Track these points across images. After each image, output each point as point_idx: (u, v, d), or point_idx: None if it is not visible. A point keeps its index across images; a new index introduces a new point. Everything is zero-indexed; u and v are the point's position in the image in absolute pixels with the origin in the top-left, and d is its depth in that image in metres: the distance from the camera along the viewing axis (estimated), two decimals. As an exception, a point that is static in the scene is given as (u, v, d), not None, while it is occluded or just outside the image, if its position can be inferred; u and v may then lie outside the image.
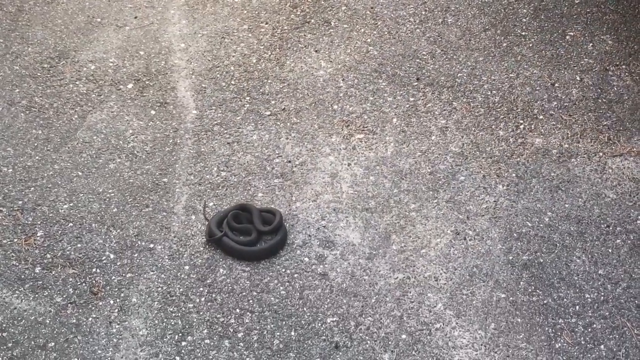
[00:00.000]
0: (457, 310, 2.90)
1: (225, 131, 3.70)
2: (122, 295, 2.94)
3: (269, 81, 4.02)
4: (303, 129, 3.71)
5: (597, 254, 3.11)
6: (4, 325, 2.82)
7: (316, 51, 4.23)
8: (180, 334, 2.81)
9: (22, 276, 3.00)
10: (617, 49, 4.19)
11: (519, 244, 3.15)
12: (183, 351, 2.76)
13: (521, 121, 3.75)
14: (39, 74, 4.01)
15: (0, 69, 4.03)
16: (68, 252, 3.10)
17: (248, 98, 3.91)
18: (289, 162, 3.53)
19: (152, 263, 3.07)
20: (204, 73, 4.07)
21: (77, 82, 3.98)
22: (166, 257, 3.10)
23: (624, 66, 4.07)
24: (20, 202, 3.29)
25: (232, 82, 4.01)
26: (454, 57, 4.18)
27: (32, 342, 2.77)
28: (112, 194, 3.35)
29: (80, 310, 2.89)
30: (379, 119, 3.77)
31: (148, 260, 3.08)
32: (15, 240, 3.14)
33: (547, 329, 2.83)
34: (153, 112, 3.81)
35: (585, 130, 3.69)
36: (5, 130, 3.65)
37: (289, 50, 4.24)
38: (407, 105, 3.85)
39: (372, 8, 4.48)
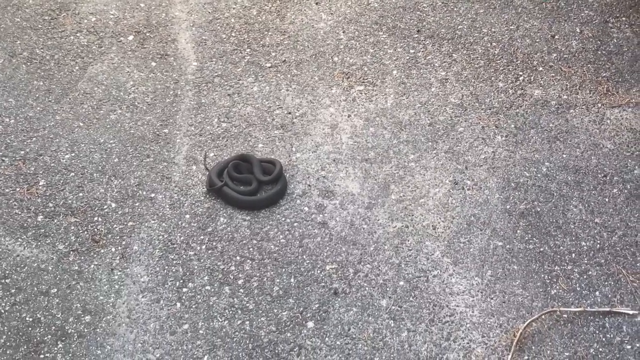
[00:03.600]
0: (455, 257, 2.94)
1: (226, 83, 3.71)
2: (124, 243, 2.98)
3: (270, 33, 4.02)
4: (303, 81, 3.72)
5: (594, 203, 3.13)
6: (7, 272, 2.86)
7: (317, 3, 4.22)
8: (181, 281, 2.85)
9: (25, 224, 3.03)
10: (617, 1, 4.18)
11: (516, 193, 3.18)
12: (184, 297, 2.80)
13: (520, 73, 3.75)
14: (40, 26, 4.02)
15: (2, 20, 4.03)
16: (70, 201, 3.13)
17: (248, 50, 3.91)
18: (289, 113, 3.55)
19: (153, 212, 3.10)
20: (205, 25, 4.07)
21: (77, 34, 3.98)
22: (167, 206, 3.13)
23: (624, 18, 4.06)
24: (22, 152, 3.32)
25: (233, 34, 4.01)
26: (455, 9, 4.17)
27: (35, 289, 2.81)
28: (113, 145, 3.37)
29: (82, 258, 2.92)
30: (379, 71, 3.77)
31: (149, 209, 3.11)
32: (18, 189, 3.17)
33: (543, 275, 2.87)
34: (154, 63, 3.82)
35: (584, 81, 3.70)
36: (7, 82, 3.66)
37: (290, 3, 4.23)
38: (407, 57, 3.85)
39: (373, -40, 4.47)
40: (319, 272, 2.89)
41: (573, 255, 2.94)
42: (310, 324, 2.73)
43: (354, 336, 2.68)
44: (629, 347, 2.66)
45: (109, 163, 3.29)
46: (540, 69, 3.77)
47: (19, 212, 3.08)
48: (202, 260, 2.93)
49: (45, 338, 2.66)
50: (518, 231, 3.03)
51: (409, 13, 4.15)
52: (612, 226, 3.04)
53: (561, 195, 3.16)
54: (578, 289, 2.83)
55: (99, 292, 2.81)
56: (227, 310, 2.76)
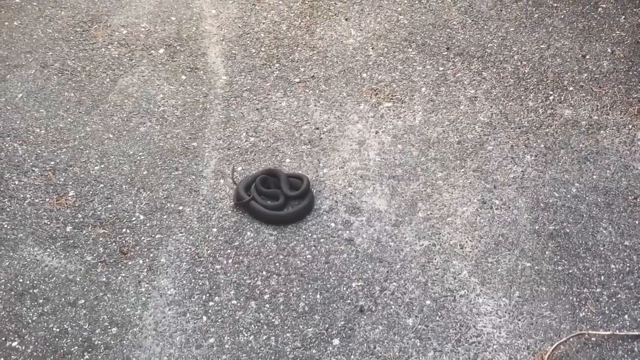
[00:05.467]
0: (482, 277, 2.92)
1: (255, 97, 3.72)
2: (151, 255, 2.99)
3: (299, 48, 4.03)
4: (332, 97, 3.73)
5: (624, 225, 3.10)
6: (36, 282, 2.88)
7: (346, 19, 4.23)
8: (207, 294, 2.86)
9: (54, 235, 3.05)
10: (650, 21, 4.16)
11: (545, 214, 3.15)
12: (210, 311, 2.80)
13: (551, 92, 3.73)
14: (71, 38, 4.06)
15: (34, 31, 4.08)
16: (99, 212, 3.15)
17: (277, 65, 3.93)
18: (317, 129, 3.55)
19: (180, 225, 3.11)
20: (235, 39, 4.09)
21: (109, 46, 4.01)
22: (195, 219, 3.14)
23: (656, 39, 4.04)
24: (52, 163, 3.35)
25: (262, 49, 4.03)
26: (485, 27, 4.16)
27: (63, 299, 2.83)
28: (143, 157, 3.39)
29: (110, 269, 2.94)
30: (407, 88, 3.77)
31: (177, 222, 3.12)
32: (47, 199, 3.19)
33: (571, 298, 2.84)
34: (184, 77, 3.84)
35: (615, 102, 3.67)
36: (38, 92, 3.70)
37: (319, 18, 4.24)
38: (437, 75, 3.85)
39: (403, -23, 4.47)
40: (345, 289, 2.89)
41: (602, 277, 2.91)
42: (336, 341, 2.72)
43: (379, 355, 2.67)
44: (658, 372, 2.63)
45: (138, 175, 3.31)
46: (571, 88, 3.75)
47: (48, 223, 3.10)
48: (228, 274, 2.93)
49: (72, 349, 2.67)
50: (547, 252, 3.00)
51: (439, 30, 4.15)
52: (642, 249, 3.02)
53: (591, 217, 3.14)
54: (607, 312, 2.80)
55: (126, 304, 2.82)
56: (252, 325, 2.76)
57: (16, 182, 3.26)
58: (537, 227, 3.10)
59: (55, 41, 4.03)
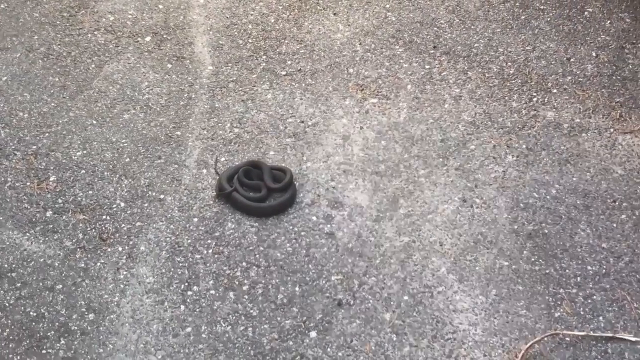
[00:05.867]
0: (460, 275, 2.94)
1: (240, 88, 3.72)
2: (131, 243, 2.99)
3: (286, 41, 4.04)
4: (317, 91, 3.74)
5: (602, 228, 3.13)
6: (14, 265, 2.88)
7: (334, 14, 4.24)
8: (186, 284, 2.86)
9: (34, 219, 3.05)
10: (634, 27, 4.18)
11: (524, 214, 3.18)
12: (188, 300, 2.80)
13: (535, 94, 3.75)
14: (58, 22, 4.04)
15: (20, 15, 4.06)
16: (79, 198, 3.14)
17: (264, 57, 3.93)
18: (302, 122, 3.56)
19: (161, 213, 3.11)
20: (222, 30, 4.09)
21: (95, 32, 4.00)
22: (176, 208, 3.14)
23: (641, 45, 4.07)
24: (35, 147, 3.34)
25: (250, 41, 4.03)
26: (472, 27, 4.18)
27: (41, 284, 2.83)
28: (125, 144, 3.39)
29: (89, 255, 2.93)
30: (393, 85, 3.78)
31: (158, 211, 3.12)
32: (28, 183, 3.18)
33: (547, 297, 2.87)
34: (169, 65, 3.84)
35: (597, 106, 3.70)
36: (23, 76, 3.68)
37: (308, 12, 4.25)
38: (422, 73, 3.86)
39: (392, -26, 4.48)
40: (324, 282, 2.90)
41: (578, 279, 2.94)
42: (313, 334, 2.73)
43: (355, 348, 2.69)
44: (630, 374, 2.66)
45: (120, 162, 3.31)
46: (555, 91, 3.77)
47: (28, 207, 3.09)
48: (208, 265, 2.93)
49: (49, 334, 2.67)
50: (524, 252, 3.03)
51: (426, 28, 4.16)
52: (618, 252, 3.04)
53: (569, 218, 3.16)
54: (582, 313, 2.83)
55: (104, 290, 2.82)
56: (230, 316, 2.77)
57: (-3, 165, 3.25)
58: (516, 227, 3.12)
59: (42, 25, 4.01)
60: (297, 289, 2.87)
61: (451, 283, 2.91)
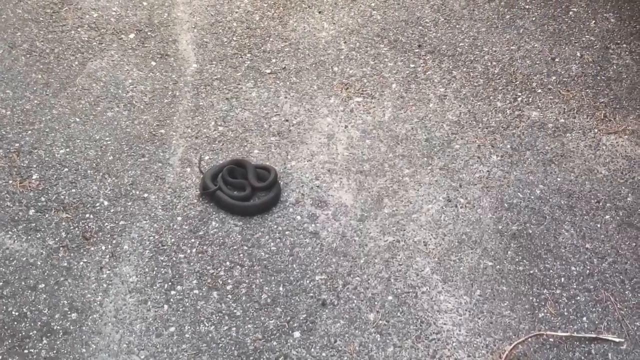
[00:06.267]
0: (444, 275, 2.94)
1: (225, 86, 3.71)
2: (114, 242, 2.97)
3: (271, 39, 4.02)
4: (302, 89, 3.72)
5: (586, 228, 3.14)
6: (-4, 264, 2.86)
7: (319, 12, 4.23)
8: (169, 283, 2.84)
9: (16, 217, 3.02)
10: (619, 27, 4.20)
11: (509, 214, 3.18)
12: (172, 300, 2.79)
13: (519, 94, 3.76)
14: (41, 19, 4.01)
15: (3, 11, 4.02)
16: (62, 197, 3.12)
17: (249, 55, 3.91)
18: (287, 121, 3.55)
19: (145, 212, 3.09)
20: (206, 27, 4.07)
21: (78, 29, 3.97)
22: (159, 207, 3.12)
23: (624, 45, 4.08)
24: (17, 145, 3.31)
25: (234, 38, 4.01)
26: (457, 26, 4.18)
27: (23, 283, 2.80)
28: (109, 142, 3.36)
29: (72, 254, 2.91)
30: (378, 84, 3.78)
31: (141, 209, 3.10)
32: (10, 182, 3.15)
33: (531, 298, 2.87)
34: (153, 63, 3.81)
35: (582, 106, 3.71)
36: (5, 73, 3.65)
37: (293, 10, 4.23)
38: (407, 72, 3.86)
39: (378, -28, 4.47)
40: (308, 282, 2.89)
41: (562, 279, 2.95)
42: (297, 334, 2.72)
43: (339, 348, 2.68)
44: (613, 374, 2.67)
45: (104, 160, 3.28)
46: (539, 90, 3.78)
47: (11, 205, 3.06)
48: (191, 264, 2.92)
49: (31, 333, 2.65)
50: (509, 252, 3.03)
51: (411, 27, 4.16)
52: (602, 252, 3.05)
53: (553, 219, 3.17)
54: (566, 313, 2.83)
55: (87, 289, 2.80)
56: (214, 315, 2.75)
57: (-21, 163, 3.22)
58: (500, 227, 3.13)
59: (25, 22, 3.98)
60: (281, 288, 2.86)
61: (435, 283, 2.91)
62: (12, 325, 2.66)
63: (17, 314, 2.70)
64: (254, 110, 3.58)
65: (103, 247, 2.95)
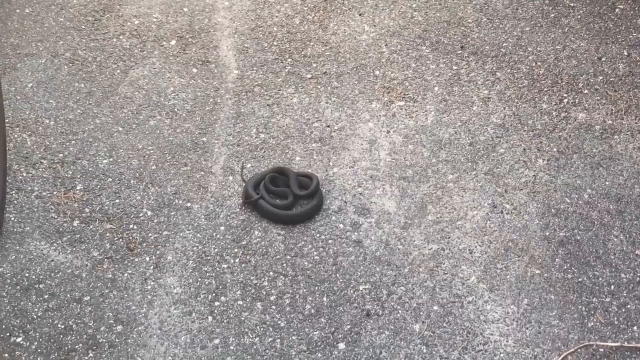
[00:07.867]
0: (491, 284, 2.89)
1: (266, 93, 3.69)
2: (158, 252, 2.97)
3: (312, 43, 4.00)
4: (343, 94, 3.70)
5: (636, 234, 3.07)
6: (42, 277, 2.87)
7: (360, 14, 4.19)
8: (213, 294, 2.84)
9: (61, 229, 3.04)
10: (668, 24, 4.11)
11: (556, 220, 3.12)
12: (216, 311, 2.79)
13: (565, 95, 3.69)
14: (83, 27, 4.03)
15: (45, 20, 4.06)
16: (106, 207, 3.13)
17: (290, 60, 3.89)
18: (328, 126, 3.52)
19: (188, 222, 3.09)
20: (247, 32, 4.06)
21: (120, 37, 3.99)
22: (202, 216, 3.12)
23: (674, 42, 3.99)
24: (61, 155, 3.33)
25: (275, 43, 4.00)
26: (500, 26, 4.12)
27: (68, 295, 2.82)
28: (152, 151, 3.37)
29: (116, 266, 2.92)
30: (420, 87, 3.73)
31: (185, 219, 3.10)
32: (55, 192, 3.18)
33: (580, 307, 2.82)
34: (195, 70, 3.81)
35: (630, 106, 3.63)
36: (49, 82, 3.68)
37: (333, 13, 4.20)
38: (450, 74, 3.81)
39: (418, -28, 4.42)
40: (352, 291, 2.87)
41: (612, 287, 2.88)
42: (342, 346, 2.70)
43: (385, 360, 2.66)
44: (666, 386, 2.61)
45: (147, 170, 3.29)
46: (586, 91, 3.71)
47: (55, 216, 3.08)
48: (235, 274, 2.91)
49: (77, 346, 2.66)
50: (557, 259, 2.97)
51: (453, 28, 4.10)
52: (653, 259, 2.99)
53: (602, 225, 3.11)
54: (616, 322, 2.77)
55: (132, 301, 2.81)
56: (258, 327, 2.74)
57: (24, 174, 3.24)
58: (547, 234, 3.07)
59: (67, 30, 4.00)
60: (324, 299, 2.84)
61: (482, 292, 2.87)
62: (58, 339, 2.68)
63: (63, 327, 2.72)
64: (295, 117, 3.57)
65: (147, 258, 2.95)
